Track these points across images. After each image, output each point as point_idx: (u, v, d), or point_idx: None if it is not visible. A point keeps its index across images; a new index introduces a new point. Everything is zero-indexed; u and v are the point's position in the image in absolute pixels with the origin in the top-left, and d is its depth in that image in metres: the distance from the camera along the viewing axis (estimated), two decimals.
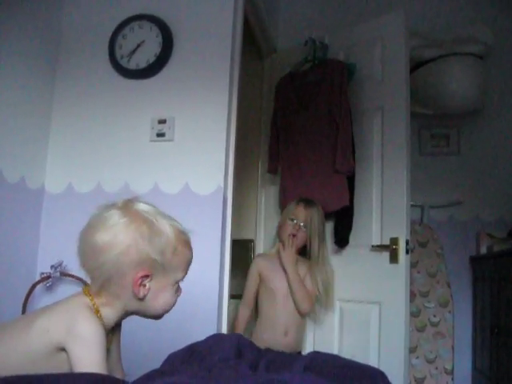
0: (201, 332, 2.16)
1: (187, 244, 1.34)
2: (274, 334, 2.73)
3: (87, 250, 1.26)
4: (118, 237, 1.24)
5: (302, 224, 2.80)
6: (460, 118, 3.81)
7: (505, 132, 3.77)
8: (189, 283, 2.28)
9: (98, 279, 1.25)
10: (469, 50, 3.49)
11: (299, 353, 2.75)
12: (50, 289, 2.52)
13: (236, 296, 3.29)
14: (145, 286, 1.27)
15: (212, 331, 2.38)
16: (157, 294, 1.30)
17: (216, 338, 1.37)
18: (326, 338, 3.02)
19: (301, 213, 2.81)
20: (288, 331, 2.74)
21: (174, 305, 1.35)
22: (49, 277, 2.47)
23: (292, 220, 2.82)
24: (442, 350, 3.54)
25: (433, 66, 3.54)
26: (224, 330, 2.49)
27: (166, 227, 1.29)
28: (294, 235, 2.80)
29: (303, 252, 2.89)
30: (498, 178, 3.73)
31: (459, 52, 3.49)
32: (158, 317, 1.36)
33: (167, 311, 1.35)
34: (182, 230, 1.34)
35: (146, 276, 1.27)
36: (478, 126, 3.82)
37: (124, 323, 1.40)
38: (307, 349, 3.04)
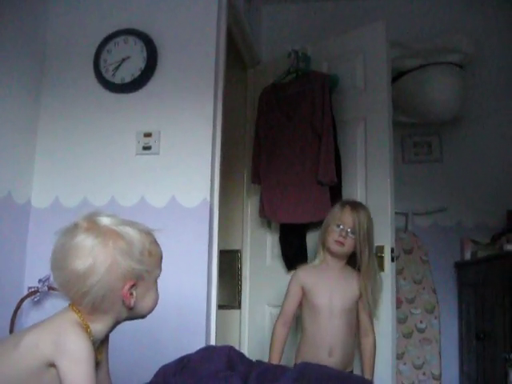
0: (190, 343, 2.19)
1: (155, 242, 1.37)
2: (316, 354, 2.39)
3: (70, 278, 1.26)
4: (98, 258, 1.25)
5: (349, 230, 2.46)
6: (441, 125, 3.86)
7: (485, 139, 3.82)
8: (177, 294, 2.31)
9: (88, 302, 1.26)
10: (449, 60, 3.54)
11: (350, 372, 2.46)
12: (38, 303, 2.51)
13: (223, 306, 3.30)
14: (132, 294, 1.30)
15: (201, 342, 2.39)
16: (143, 298, 1.34)
17: (207, 350, 1.39)
18: None
19: (348, 217, 2.47)
20: (333, 351, 2.39)
21: (158, 300, 1.39)
22: (37, 291, 2.47)
23: (338, 226, 2.47)
24: (429, 355, 3.57)
25: (414, 76, 3.59)
26: (212, 340, 2.50)
27: (135, 234, 1.31)
28: (341, 243, 2.46)
29: (350, 260, 2.60)
30: (480, 184, 3.78)
31: (440, 61, 3.54)
32: (145, 316, 1.40)
33: (154, 308, 1.39)
34: (148, 230, 1.36)
35: (133, 285, 1.30)
36: (459, 134, 3.87)
37: (111, 335, 1.41)
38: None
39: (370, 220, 2.52)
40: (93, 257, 1.25)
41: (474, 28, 3.81)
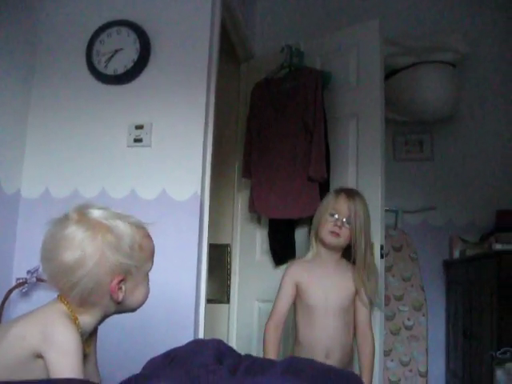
0: (178, 337, 2.18)
1: (148, 235, 1.37)
2: (312, 357, 2.01)
3: (58, 271, 1.26)
4: (87, 251, 1.24)
5: (344, 220, 2.26)
6: (433, 124, 3.87)
7: (477, 138, 3.84)
8: (166, 288, 2.31)
9: (76, 295, 1.26)
10: (442, 58, 3.56)
11: None
12: (26, 294, 2.50)
13: (212, 301, 3.30)
14: (121, 288, 1.30)
15: (189, 336, 2.39)
16: (133, 292, 1.33)
17: (196, 343, 1.38)
18: None
19: (343, 205, 2.27)
20: (330, 353, 2.21)
21: (148, 294, 1.38)
22: (25, 282, 2.46)
23: (332, 215, 2.28)
24: (416, 352, 3.59)
25: (407, 74, 3.61)
26: (201, 334, 2.50)
27: (125, 228, 1.30)
28: (336, 234, 2.26)
29: (345, 253, 2.39)
30: (470, 183, 3.80)
31: (433, 60, 3.55)
32: (135, 310, 1.39)
33: (144, 302, 1.38)
34: (140, 224, 1.36)
35: (122, 280, 1.29)
36: (450, 133, 3.89)
37: (100, 328, 1.41)
38: None
39: (366, 208, 2.33)
40: (82, 249, 1.24)
41: (469, 27, 3.82)
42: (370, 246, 2.34)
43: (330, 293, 2.28)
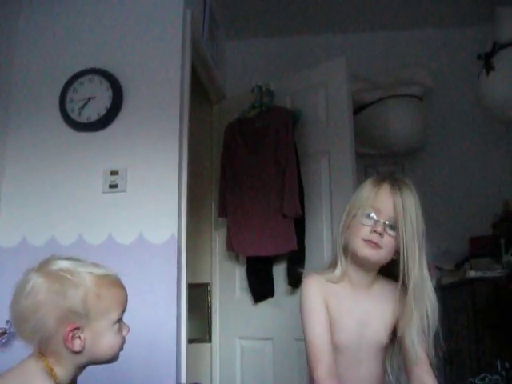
0: (161, 378, 2.19)
1: (114, 284, 1.36)
2: None
3: (17, 318, 1.28)
4: (38, 298, 1.26)
5: (387, 222, 1.56)
6: (404, 156, 3.95)
7: (447, 168, 3.92)
8: (146, 330, 2.32)
9: (33, 342, 1.27)
10: (408, 92, 3.66)
11: None
12: (5, 345, 2.47)
13: (195, 340, 3.30)
14: (80, 337, 1.28)
15: (172, 377, 2.39)
16: (96, 341, 1.31)
17: None
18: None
19: (386, 202, 1.57)
20: None
21: (122, 344, 1.36)
22: (4, 333, 2.44)
23: (369, 216, 1.57)
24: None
25: (375, 108, 3.70)
26: (183, 375, 2.49)
27: (82, 278, 1.30)
28: (375, 244, 1.56)
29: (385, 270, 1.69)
30: (442, 211, 3.85)
31: (399, 94, 3.66)
32: (111, 360, 1.37)
33: (117, 352, 1.36)
34: (104, 273, 1.35)
35: (76, 329, 1.28)
36: (421, 163, 3.97)
37: (80, 376, 1.41)
38: None
39: (419, 206, 1.62)
40: (33, 297, 1.26)
41: (433, 61, 3.93)
42: (425, 260, 1.64)
43: (365, 327, 1.63)
